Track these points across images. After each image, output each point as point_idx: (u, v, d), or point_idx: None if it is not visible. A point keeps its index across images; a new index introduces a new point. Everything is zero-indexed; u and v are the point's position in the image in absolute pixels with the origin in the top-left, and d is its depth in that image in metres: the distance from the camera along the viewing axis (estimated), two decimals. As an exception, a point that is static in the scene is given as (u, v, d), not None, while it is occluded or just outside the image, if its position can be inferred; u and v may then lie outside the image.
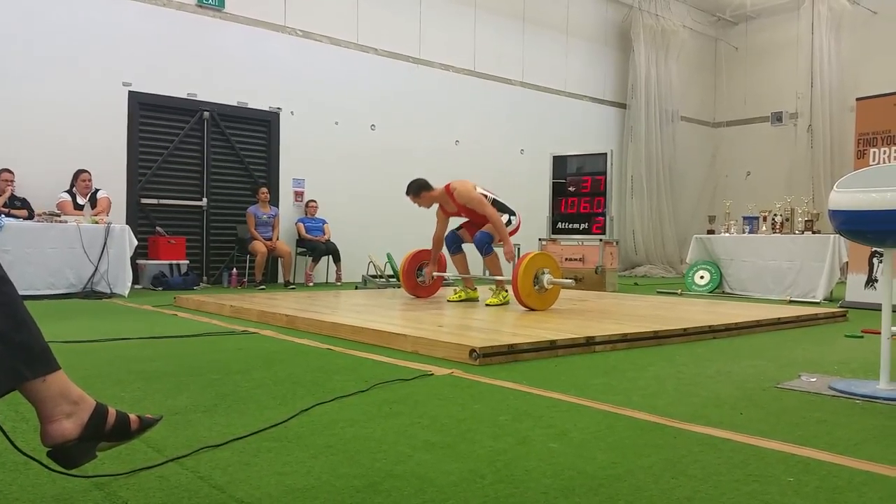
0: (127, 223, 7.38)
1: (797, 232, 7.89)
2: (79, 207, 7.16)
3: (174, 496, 1.49)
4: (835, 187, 2.66)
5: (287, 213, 9.03)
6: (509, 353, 3.24)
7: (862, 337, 4.38)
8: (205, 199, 8.58)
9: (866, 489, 1.59)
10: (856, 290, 6.71)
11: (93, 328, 4.27)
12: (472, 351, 3.15)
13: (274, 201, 8.86)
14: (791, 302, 7.06)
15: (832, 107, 12.49)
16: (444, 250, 5.92)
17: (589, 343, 3.58)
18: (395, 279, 8.11)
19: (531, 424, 2.11)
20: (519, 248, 6.34)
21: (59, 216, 6.76)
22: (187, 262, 8.04)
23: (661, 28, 13.32)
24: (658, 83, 13.31)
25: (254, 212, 8.39)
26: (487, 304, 5.44)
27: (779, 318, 4.86)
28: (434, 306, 5.39)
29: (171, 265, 7.84)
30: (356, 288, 8.00)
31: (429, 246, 5.98)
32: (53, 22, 7.41)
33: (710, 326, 4.27)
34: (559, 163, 8.97)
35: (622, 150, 13.22)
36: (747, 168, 14.36)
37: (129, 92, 7.92)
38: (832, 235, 7.25)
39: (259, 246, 8.19)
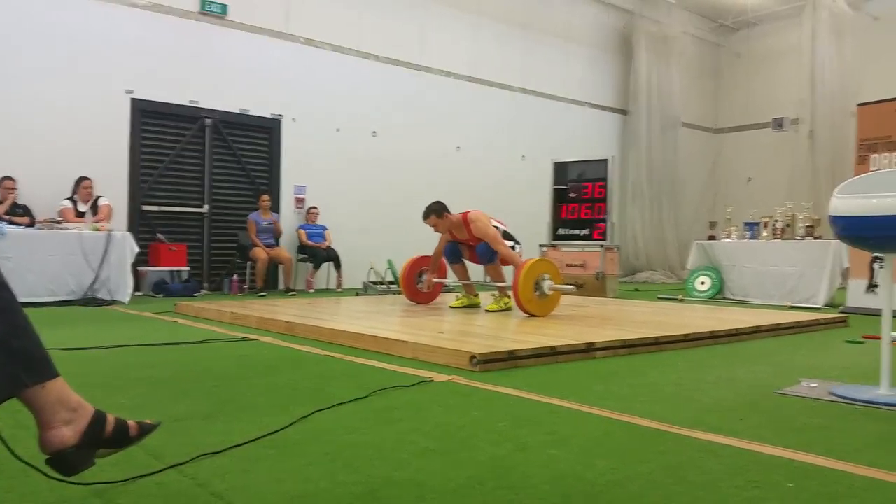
0: (128, 230, 7.38)
1: (798, 238, 7.88)
2: (80, 214, 7.17)
3: (173, 503, 1.49)
4: (835, 193, 2.65)
5: (288, 219, 9.03)
6: (509, 360, 3.24)
7: (863, 342, 4.37)
8: (206, 206, 8.59)
9: (867, 495, 1.58)
10: (856, 295, 6.71)
11: (93, 335, 4.26)
12: (473, 357, 3.15)
13: (275, 208, 8.87)
14: (792, 307, 7.05)
15: (833, 112, 12.46)
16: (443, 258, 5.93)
17: (589, 349, 3.58)
18: (395, 285, 8.10)
19: (531, 431, 2.10)
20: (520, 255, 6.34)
21: (59, 223, 6.77)
22: (188, 268, 8.03)
23: (663, 34, 13.32)
24: (659, 89, 13.30)
25: (255, 218, 8.40)
26: (488, 310, 5.44)
27: (779, 324, 4.86)
28: (434, 313, 5.39)
29: (171, 272, 7.84)
30: (357, 294, 8.00)
31: (429, 252, 5.99)
32: (55, 29, 7.43)
33: (710, 332, 4.26)
34: (560, 169, 8.98)
35: (623, 157, 13.20)
36: (748, 174, 14.35)
37: (132, 99, 7.93)
38: (833, 241, 7.24)
39: (260, 253, 8.20)
